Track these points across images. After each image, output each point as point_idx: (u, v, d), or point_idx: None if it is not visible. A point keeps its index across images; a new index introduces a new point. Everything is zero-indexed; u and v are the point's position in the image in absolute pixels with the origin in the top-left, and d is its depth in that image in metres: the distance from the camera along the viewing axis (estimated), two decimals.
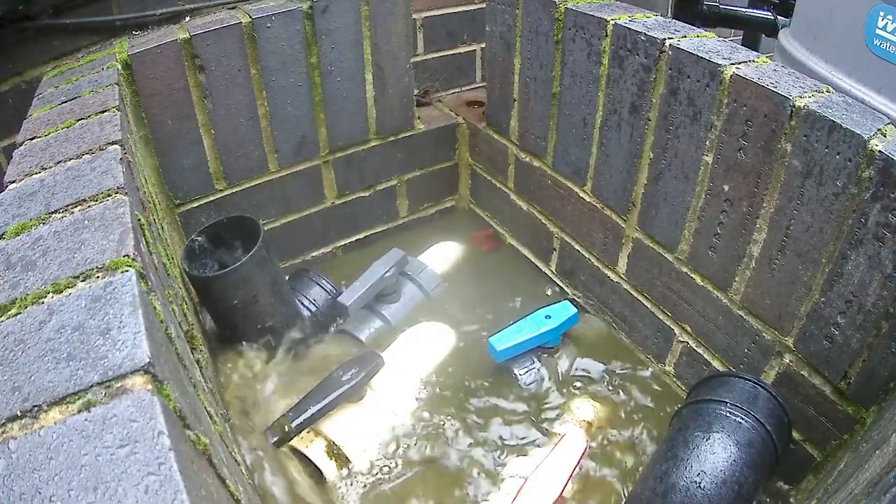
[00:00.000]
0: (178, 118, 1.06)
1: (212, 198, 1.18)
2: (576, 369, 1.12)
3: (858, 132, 0.71)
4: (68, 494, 0.34)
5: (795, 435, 0.90)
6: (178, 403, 0.44)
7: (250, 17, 1.06)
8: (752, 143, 0.83)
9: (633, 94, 0.98)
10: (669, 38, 0.91)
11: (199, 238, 1.05)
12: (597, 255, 1.21)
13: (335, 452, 0.93)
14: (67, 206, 0.60)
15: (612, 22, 0.98)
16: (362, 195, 1.39)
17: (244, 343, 1.05)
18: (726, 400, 0.84)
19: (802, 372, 0.87)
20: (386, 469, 0.94)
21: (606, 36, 0.99)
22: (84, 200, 0.60)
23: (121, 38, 1.09)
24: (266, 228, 1.08)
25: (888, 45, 1.03)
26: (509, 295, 1.29)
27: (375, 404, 1.00)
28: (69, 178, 0.64)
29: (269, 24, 1.08)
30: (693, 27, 0.96)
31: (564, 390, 1.07)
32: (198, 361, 0.74)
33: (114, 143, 0.71)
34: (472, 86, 1.70)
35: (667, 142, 0.96)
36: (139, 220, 0.63)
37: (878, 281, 0.73)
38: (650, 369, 1.13)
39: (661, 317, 1.10)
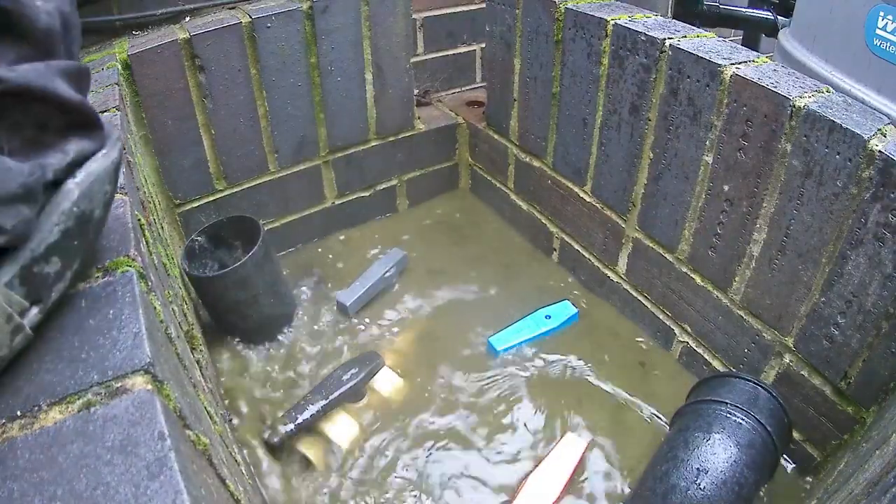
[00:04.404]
0: (178, 118, 1.06)
1: (212, 198, 1.18)
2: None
3: (858, 132, 0.71)
4: (68, 494, 0.34)
5: (795, 435, 0.90)
6: (178, 403, 0.44)
7: (250, 17, 1.06)
8: (752, 143, 0.83)
9: (633, 94, 0.98)
10: (669, 38, 0.91)
11: (199, 238, 1.05)
12: (597, 254, 1.21)
13: (332, 451, 0.93)
14: None
15: (612, 22, 0.98)
16: (362, 195, 1.39)
17: (243, 342, 1.05)
18: (726, 400, 0.84)
19: (802, 372, 0.87)
20: (379, 459, 0.93)
21: (606, 36, 0.99)
22: None
23: (121, 38, 1.09)
24: (266, 228, 1.08)
25: (888, 45, 1.03)
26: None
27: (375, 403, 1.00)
28: None
29: (269, 24, 1.08)
30: (693, 27, 0.96)
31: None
32: (198, 361, 0.74)
33: None
34: (472, 86, 1.70)
35: (667, 142, 0.96)
36: (139, 220, 0.63)
37: (878, 281, 0.73)
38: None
39: (661, 317, 1.10)
